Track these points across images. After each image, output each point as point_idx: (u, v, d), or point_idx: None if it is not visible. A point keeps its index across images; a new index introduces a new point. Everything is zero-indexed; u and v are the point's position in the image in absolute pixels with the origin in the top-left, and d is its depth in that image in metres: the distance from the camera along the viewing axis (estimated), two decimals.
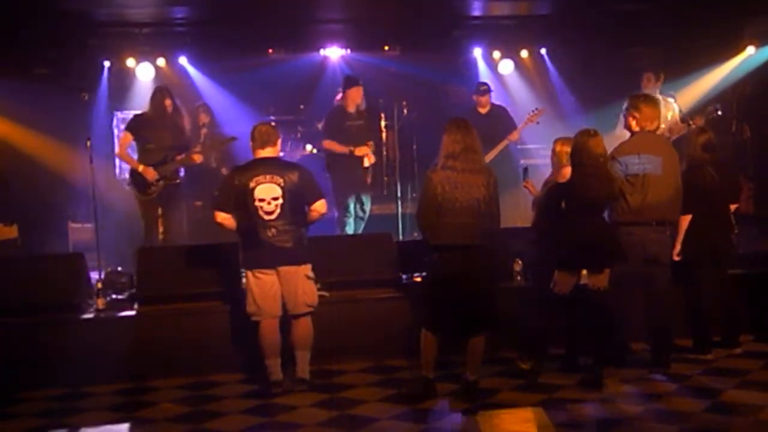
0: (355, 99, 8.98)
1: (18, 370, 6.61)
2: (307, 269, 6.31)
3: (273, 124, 6.67)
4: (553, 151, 6.63)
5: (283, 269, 6.21)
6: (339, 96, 9.30)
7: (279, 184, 6.18)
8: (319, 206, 6.32)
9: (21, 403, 6.38)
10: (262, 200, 6.15)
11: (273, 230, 6.16)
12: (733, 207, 7.10)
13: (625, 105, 6.68)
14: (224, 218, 6.24)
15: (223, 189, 6.31)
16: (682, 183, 6.55)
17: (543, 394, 6.11)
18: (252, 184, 6.16)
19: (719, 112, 8.58)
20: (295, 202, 6.22)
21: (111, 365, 6.72)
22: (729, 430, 5.39)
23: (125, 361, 6.77)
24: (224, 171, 9.97)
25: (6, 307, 6.87)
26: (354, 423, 5.70)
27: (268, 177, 6.18)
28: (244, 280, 6.39)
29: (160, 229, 8.43)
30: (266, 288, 6.22)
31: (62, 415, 6.09)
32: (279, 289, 6.24)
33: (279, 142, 6.43)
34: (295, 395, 6.23)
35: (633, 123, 6.55)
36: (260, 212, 6.15)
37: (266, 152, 6.32)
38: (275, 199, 6.16)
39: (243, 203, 6.18)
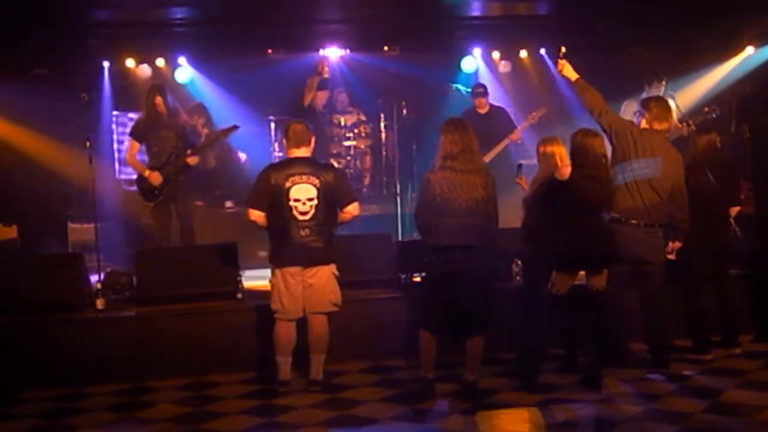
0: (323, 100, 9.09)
1: (17, 371, 6.61)
2: (333, 268, 6.31)
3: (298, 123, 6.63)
4: (539, 152, 6.60)
5: (311, 267, 6.21)
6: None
7: (314, 185, 6.17)
8: (353, 209, 6.30)
9: (20, 403, 6.38)
10: (297, 200, 6.14)
11: (306, 230, 6.16)
12: (734, 210, 7.10)
13: (637, 107, 6.76)
14: (258, 216, 6.22)
15: (257, 187, 6.26)
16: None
17: (542, 394, 6.10)
18: (288, 184, 6.15)
19: (715, 114, 8.55)
20: (329, 203, 6.21)
21: (110, 366, 6.74)
22: (728, 431, 5.38)
23: (125, 361, 6.77)
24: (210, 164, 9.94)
25: (5, 308, 6.88)
26: (353, 423, 5.71)
27: (304, 177, 6.17)
28: (270, 277, 6.35)
29: (177, 230, 8.39)
30: (292, 287, 6.21)
31: (61, 416, 6.09)
32: (303, 289, 6.23)
33: (313, 141, 6.40)
34: (295, 396, 6.23)
35: (643, 122, 6.58)
36: (294, 212, 6.14)
37: (301, 152, 6.29)
38: (310, 199, 6.15)
39: (277, 202, 6.16)
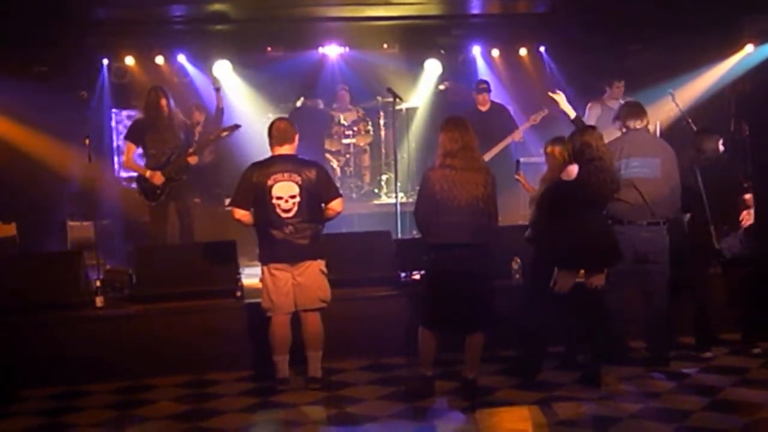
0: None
1: (17, 369, 6.60)
2: (321, 264, 6.32)
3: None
4: (547, 152, 6.60)
5: (298, 264, 6.22)
6: None
7: (297, 182, 6.17)
8: (336, 205, 6.31)
9: (20, 401, 6.38)
10: (279, 198, 6.15)
11: (290, 227, 6.16)
12: (747, 197, 7.08)
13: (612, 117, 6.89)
14: (242, 215, 6.24)
15: (241, 186, 6.28)
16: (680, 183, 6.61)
17: (542, 392, 6.11)
18: (270, 182, 6.15)
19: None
20: (312, 200, 6.21)
21: (110, 363, 6.73)
22: (728, 429, 5.38)
23: (124, 359, 6.77)
24: (206, 159, 9.93)
25: (4, 306, 6.86)
26: (352, 421, 5.71)
27: (286, 175, 6.17)
28: (260, 275, 6.40)
29: (177, 228, 8.38)
30: (280, 284, 6.22)
31: (61, 414, 6.09)
32: (292, 286, 6.24)
33: (296, 138, 6.40)
34: (295, 393, 6.23)
35: (621, 127, 6.68)
36: (277, 210, 6.15)
37: (284, 149, 6.29)
38: (293, 197, 6.15)
39: (261, 200, 6.17)
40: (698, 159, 6.94)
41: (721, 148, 7.17)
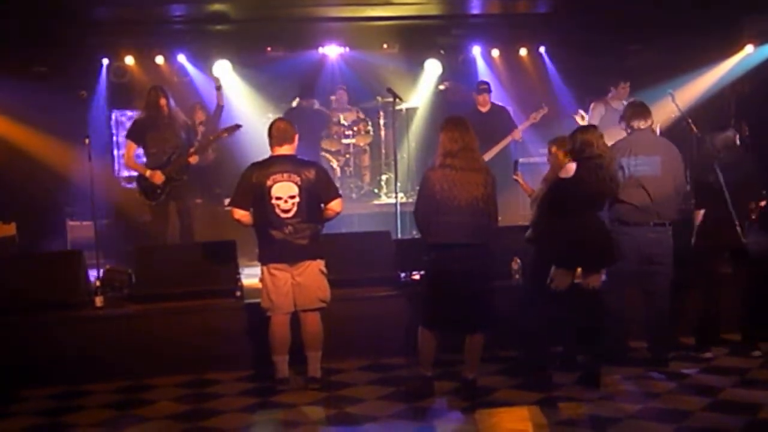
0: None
1: (17, 369, 6.59)
2: (321, 264, 6.32)
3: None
4: (551, 152, 6.60)
5: (298, 264, 6.22)
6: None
7: (296, 183, 6.17)
8: (335, 205, 6.32)
9: (20, 401, 6.38)
10: (279, 198, 6.15)
11: (289, 228, 6.17)
12: (761, 203, 7.09)
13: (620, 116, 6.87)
14: (242, 215, 6.24)
15: (240, 186, 6.28)
16: (692, 180, 6.61)
17: (541, 392, 6.10)
18: (269, 183, 6.15)
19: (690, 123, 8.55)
20: (312, 200, 6.22)
21: (110, 363, 6.73)
22: (728, 429, 5.38)
23: (124, 359, 6.77)
24: (209, 158, 9.95)
25: (4, 306, 6.86)
26: (352, 421, 5.70)
27: (285, 175, 6.17)
28: (259, 275, 6.42)
29: (177, 228, 8.39)
30: (280, 284, 6.23)
31: (61, 413, 6.08)
32: (292, 286, 6.25)
33: (296, 138, 6.40)
34: (294, 393, 6.23)
35: (626, 127, 6.68)
36: (277, 210, 6.15)
37: (283, 150, 6.29)
38: (292, 197, 6.15)
39: (260, 201, 6.18)
40: (717, 156, 6.93)
41: (738, 141, 7.17)
